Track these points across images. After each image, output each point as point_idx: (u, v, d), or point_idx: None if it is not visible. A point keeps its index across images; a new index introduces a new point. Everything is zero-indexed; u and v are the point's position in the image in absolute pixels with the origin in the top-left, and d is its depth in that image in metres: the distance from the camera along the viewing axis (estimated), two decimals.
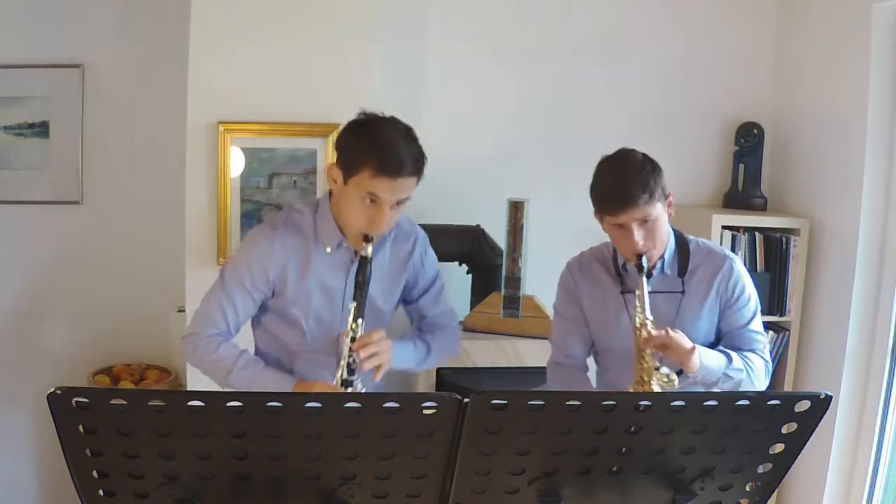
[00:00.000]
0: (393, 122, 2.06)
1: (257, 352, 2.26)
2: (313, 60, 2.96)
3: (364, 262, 2.03)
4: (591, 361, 2.46)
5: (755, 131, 3.58)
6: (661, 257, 2.21)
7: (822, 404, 1.55)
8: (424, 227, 3.40)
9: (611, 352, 2.33)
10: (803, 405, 1.56)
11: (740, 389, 2.15)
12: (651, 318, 2.10)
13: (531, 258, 3.29)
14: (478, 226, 3.42)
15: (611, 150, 3.73)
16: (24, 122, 3.39)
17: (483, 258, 3.40)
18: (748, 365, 2.18)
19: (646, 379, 2.08)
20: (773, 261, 3.41)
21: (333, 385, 2.02)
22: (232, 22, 2.91)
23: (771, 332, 3.40)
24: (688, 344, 2.07)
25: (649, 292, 2.12)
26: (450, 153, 3.54)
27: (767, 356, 2.27)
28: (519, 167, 3.55)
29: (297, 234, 2.14)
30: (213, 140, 2.93)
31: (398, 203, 2.04)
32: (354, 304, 2.02)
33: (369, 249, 2.04)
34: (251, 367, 2.13)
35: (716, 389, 2.13)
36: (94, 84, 3.41)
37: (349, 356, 2.00)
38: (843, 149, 3.23)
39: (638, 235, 2.10)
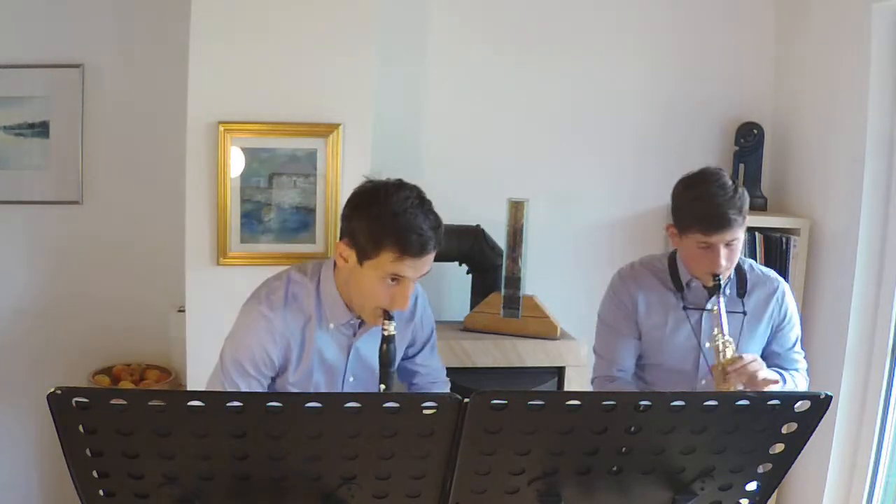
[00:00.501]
0: (406, 193, 1.88)
1: None
2: (313, 60, 2.96)
3: (389, 341, 1.91)
4: None
5: (755, 131, 3.58)
6: (729, 277, 2.26)
7: (822, 404, 1.55)
8: None
9: (659, 367, 2.35)
10: (803, 405, 1.56)
11: None
12: (731, 339, 2.14)
13: (531, 258, 3.29)
14: (478, 226, 3.42)
15: (611, 151, 3.77)
16: (24, 122, 3.39)
17: (483, 258, 3.40)
18: (797, 386, 2.28)
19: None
20: (773, 261, 3.40)
21: None
22: (232, 22, 2.91)
23: None
24: (772, 376, 2.13)
25: (709, 310, 2.20)
26: (450, 153, 3.56)
27: (808, 376, 2.36)
28: (519, 167, 3.55)
29: (299, 311, 2.00)
30: (213, 140, 2.93)
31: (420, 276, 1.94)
32: (383, 387, 1.91)
33: (392, 327, 1.91)
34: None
35: None
36: (94, 84, 3.41)
37: None
38: (843, 149, 3.23)
39: (723, 256, 2.14)
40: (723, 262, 2.14)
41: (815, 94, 3.44)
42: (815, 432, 1.59)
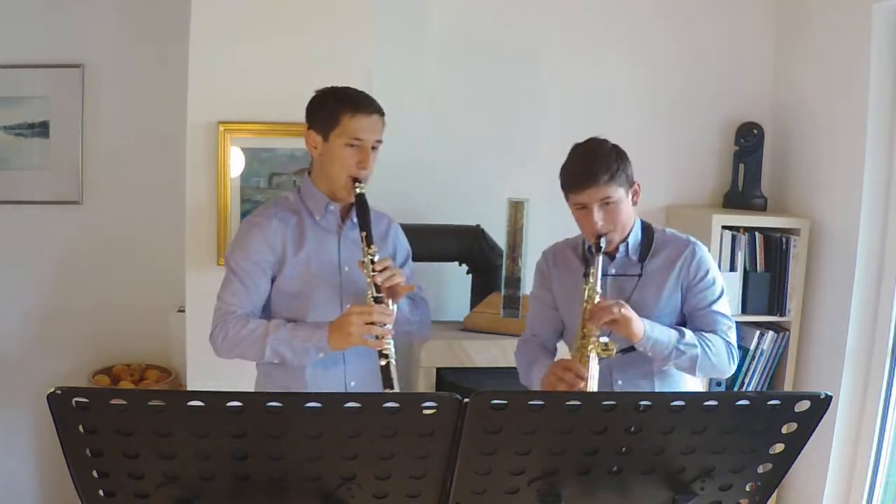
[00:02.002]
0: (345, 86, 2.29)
1: None
2: (313, 60, 2.96)
3: (361, 198, 2.21)
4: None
5: (755, 131, 3.58)
6: (626, 242, 2.29)
7: (822, 404, 1.55)
8: (424, 227, 3.44)
9: (572, 331, 2.36)
10: (803, 405, 1.56)
11: (698, 366, 2.20)
12: (599, 291, 2.18)
13: (531, 258, 3.28)
14: (478, 226, 3.42)
15: None
16: (24, 122, 3.39)
17: (483, 258, 3.40)
18: (705, 343, 2.21)
19: (586, 346, 2.15)
20: (773, 261, 3.40)
21: (366, 303, 2.13)
22: (232, 22, 2.91)
23: (771, 332, 3.40)
24: (626, 312, 2.12)
25: (610, 275, 2.24)
26: (450, 153, 3.56)
27: (731, 338, 2.28)
28: (519, 167, 3.55)
29: (286, 212, 2.31)
30: (213, 140, 2.93)
31: (374, 148, 2.24)
32: (364, 233, 2.17)
33: (363, 187, 2.22)
34: (283, 327, 2.21)
35: (671, 364, 2.20)
36: (94, 84, 3.41)
37: (375, 276, 2.14)
38: (843, 149, 3.23)
39: (598, 216, 2.19)
40: (598, 220, 2.18)
41: (815, 94, 3.44)
42: (815, 432, 1.59)
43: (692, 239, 2.34)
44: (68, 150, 3.42)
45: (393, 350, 2.13)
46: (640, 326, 2.14)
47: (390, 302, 2.16)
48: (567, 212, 3.84)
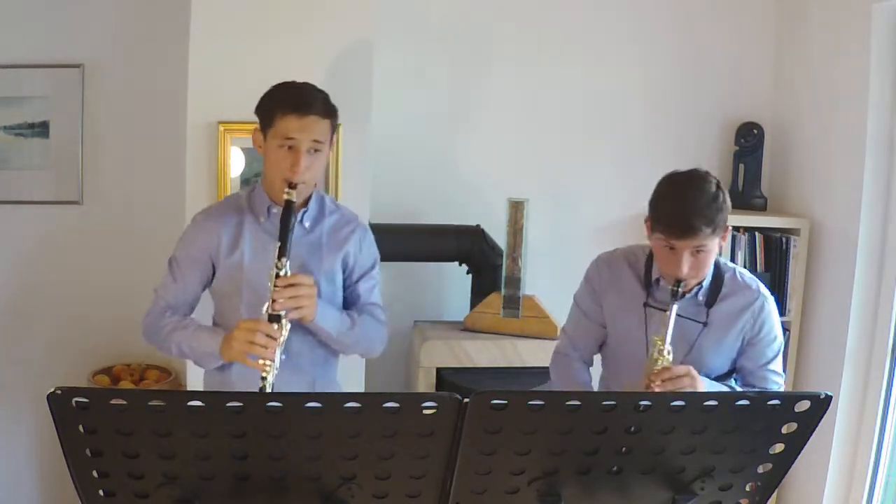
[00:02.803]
0: (303, 82, 2.21)
1: None
2: (313, 60, 2.96)
3: (288, 205, 2.10)
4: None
5: (755, 131, 3.58)
6: (700, 283, 2.17)
7: (822, 404, 1.55)
8: (425, 226, 3.44)
9: (618, 357, 2.30)
10: (803, 405, 1.56)
11: None
12: (670, 348, 2.06)
13: (531, 258, 3.29)
14: (478, 226, 3.42)
15: (611, 151, 3.77)
16: (24, 122, 3.39)
17: (483, 258, 3.40)
18: None
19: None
20: (773, 261, 3.41)
21: (260, 319, 2.05)
22: (232, 22, 2.91)
23: None
24: (698, 387, 2.03)
25: (676, 315, 2.08)
26: (450, 153, 3.56)
27: None
28: (519, 167, 3.55)
29: (231, 209, 2.28)
30: (213, 140, 2.93)
31: (315, 150, 2.14)
32: (279, 243, 2.08)
33: (293, 195, 2.11)
34: (188, 328, 2.22)
35: None
36: (94, 84, 3.41)
37: (274, 291, 2.05)
38: (843, 149, 3.23)
39: (686, 264, 2.05)
40: (685, 268, 2.04)
41: (815, 94, 3.44)
42: (815, 432, 1.59)
43: (762, 290, 2.22)
44: (68, 150, 3.42)
45: (273, 373, 2.02)
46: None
47: (284, 323, 2.05)
48: (567, 212, 3.84)
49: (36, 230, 3.44)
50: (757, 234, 3.42)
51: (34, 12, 3.33)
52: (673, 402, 1.53)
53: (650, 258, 2.23)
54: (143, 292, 3.48)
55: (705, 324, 2.17)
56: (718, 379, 2.22)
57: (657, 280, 2.20)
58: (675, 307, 2.06)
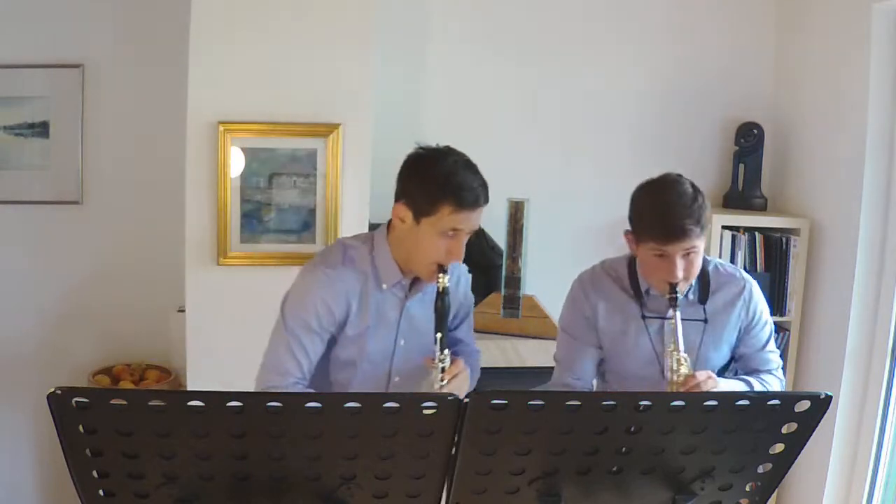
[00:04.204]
0: (455, 155, 2.08)
1: None
2: (313, 60, 2.96)
3: (444, 293, 2.03)
4: None
5: (755, 131, 3.58)
6: (689, 285, 2.17)
7: (822, 404, 1.55)
8: None
9: (621, 373, 2.27)
10: (803, 405, 1.56)
11: None
12: (686, 356, 2.06)
13: (531, 258, 3.29)
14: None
15: (610, 151, 3.77)
16: (24, 122, 3.39)
17: (483, 258, 3.40)
18: (766, 389, 2.20)
19: None
20: (773, 261, 3.41)
21: None
22: (232, 22, 2.91)
23: None
24: (720, 388, 2.05)
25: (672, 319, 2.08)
26: None
27: (782, 375, 2.28)
28: (519, 167, 3.54)
29: (355, 271, 2.10)
30: (213, 140, 2.93)
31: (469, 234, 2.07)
32: (439, 335, 2.00)
33: (446, 280, 2.03)
34: None
35: None
36: (94, 84, 3.41)
37: (440, 385, 1.99)
38: (843, 149, 3.23)
39: (679, 267, 2.04)
40: (679, 272, 2.04)
41: (815, 94, 3.44)
42: (815, 432, 1.59)
43: (744, 276, 2.26)
44: (68, 150, 3.42)
45: None
46: None
47: None
48: (567, 212, 3.84)
49: (36, 230, 3.44)
50: (757, 234, 3.42)
51: (34, 12, 3.34)
52: (673, 402, 1.53)
53: (631, 269, 2.23)
54: (143, 292, 3.51)
55: (705, 321, 2.18)
56: (721, 371, 2.24)
57: (647, 291, 2.20)
58: (678, 313, 2.06)
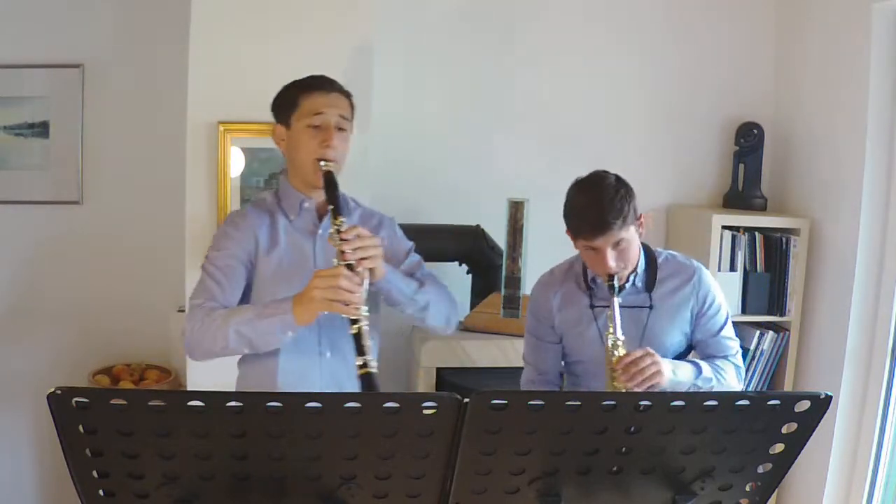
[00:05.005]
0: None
1: None
2: (313, 60, 2.95)
3: (328, 175, 2.12)
4: None
5: (755, 131, 3.58)
6: (634, 271, 2.26)
7: (822, 404, 1.55)
8: (425, 227, 3.43)
9: (580, 362, 2.37)
10: (803, 405, 1.56)
11: None
12: (622, 338, 2.15)
13: (531, 258, 3.29)
14: (478, 226, 3.42)
15: (611, 151, 3.77)
16: (24, 122, 3.39)
17: (483, 258, 3.40)
18: (718, 373, 2.25)
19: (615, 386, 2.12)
20: (773, 261, 3.41)
21: (336, 268, 2.00)
22: (232, 22, 2.91)
23: (771, 332, 3.40)
24: (657, 367, 2.10)
25: (620, 307, 2.17)
26: (450, 153, 3.56)
27: (739, 361, 2.33)
28: (519, 167, 3.55)
29: (263, 210, 2.26)
30: (213, 140, 2.93)
31: (341, 128, 2.18)
32: (331, 206, 2.07)
33: (332, 165, 2.14)
34: (248, 309, 2.10)
35: None
36: (94, 84, 3.41)
37: (341, 244, 2.02)
38: (843, 149, 3.24)
39: (611, 258, 2.15)
40: (611, 262, 2.15)
41: (816, 94, 3.44)
42: (815, 432, 1.59)
43: (694, 263, 2.34)
44: (68, 150, 3.42)
45: (365, 314, 1.99)
46: (668, 375, 2.13)
47: (361, 271, 2.01)
48: None
49: (36, 230, 3.45)
50: (757, 234, 3.42)
51: (34, 12, 3.34)
52: (673, 402, 1.53)
53: (584, 264, 2.32)
54: (143, 292, 3.52)
55: (650, 307, 2.27)
56: (679, 358, 2.30)
57: (594, 279, 2.30)
58: (616, 300, 2.16)
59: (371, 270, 2.06)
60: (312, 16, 2.95)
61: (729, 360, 2.31)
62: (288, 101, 2.21)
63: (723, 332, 2.32)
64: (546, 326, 2.39)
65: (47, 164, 3.42)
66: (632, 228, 2.17)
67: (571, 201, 2.21)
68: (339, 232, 2.03)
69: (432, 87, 3.53)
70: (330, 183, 2.12)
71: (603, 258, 2.15)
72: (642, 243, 2.30)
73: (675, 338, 2.30)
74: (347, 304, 1.98)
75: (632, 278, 2.27)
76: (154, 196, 3.42)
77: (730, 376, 2.27)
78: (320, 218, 2.24)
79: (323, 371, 2.21)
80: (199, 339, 2.09)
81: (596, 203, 2.13)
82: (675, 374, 2.15)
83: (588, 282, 2.32)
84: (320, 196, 2.17)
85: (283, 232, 2.22)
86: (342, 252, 2.01)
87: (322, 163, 2.13)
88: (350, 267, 2.01)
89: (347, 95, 2.24)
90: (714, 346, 2.32)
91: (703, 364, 2.25)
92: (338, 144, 2.16)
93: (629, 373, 2.08)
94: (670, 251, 2.38)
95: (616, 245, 2.15)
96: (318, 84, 2.21)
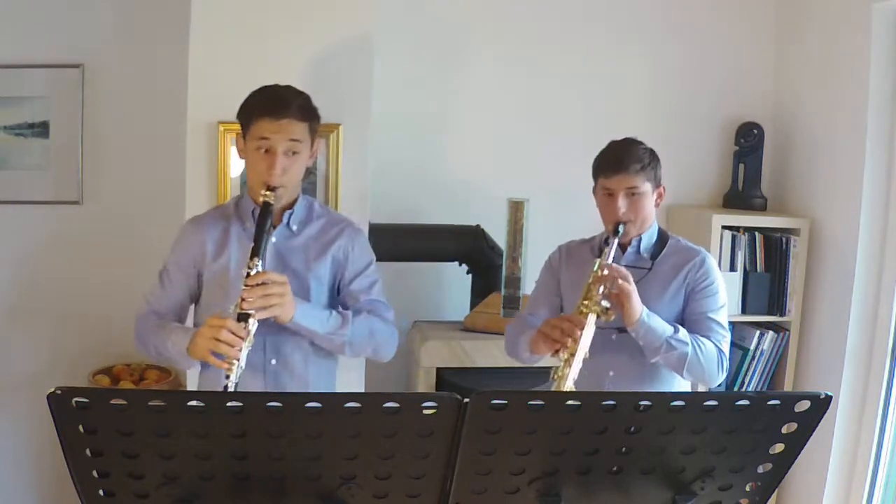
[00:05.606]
0: (282, 85, 2.22)
1: None
2: (313, 60, 2.96)
3: (265, 207, 2.12)
4: None
5: (755, 131, 3.58)
6: (640, 238, 2.35)
7: (822, 404, 1.55)
8: (424, 227, 3.44)
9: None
10: (803, 405, 1.56)
11: (687, 365, 2.23)
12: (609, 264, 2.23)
13: (531, 258, 3.29)
14: (478, 226, 3.42)
15: None
16: (24, 122, 3.39)
17: (483, 258, 3.40)
18: (697, 344, 2.25)
19: (586, 305, 2.19)
20: (773, 261, 3.41)
21: (228, 317, 2.02)
22: (232, 22, 2.91)
23: (771, 332, 3.40)
24: (633, 287, 2.18)
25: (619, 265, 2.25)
26: (450, 153, 3.56)
27: (724, 348, 2.32)
28: (519, 167, 3.55)
29: (219, 216, 2.31)
30: (213, 140, 2.93)
31: (293, 151, 2.16)
32: (252, 244, 2.08)
33: (271, 196, 2.13)
34: (165, 329, 2.21)
35: (659, 358, 2.23)
36: (94, 84, 3.41)
37: (244, 290, 2.04)
38: (843, 149, 3.24)
39: (622, 203, 2.27)
40: (622, 207, 2.26)
41: (815, 93, 3.44)
42: (815, 432, 1.59)
43: (703, 251, 2.41)
44: (68, 150, 3.42)
45: (237, 372, 2.00)
46: (639, 309, 2.19)
47: (252, 322, 2.02)
48: (566, 211, 3.85)
49: (36, 230, 3.44)
50: (757, 234, 3.42)
51: (34, 12, 3.34)
52: (673, 402, 1.53)
53: (604, 237, 2.40)
54: (142, 292, 3.50)
55: (649, 269, 2.34)
56: None
57: (606, 239, 2.36)
58: (615, 240, 2.26)
59: (276, 316, 2.09)
60: (312, 16, 2.95)
61: (712, 341, 2.29)
62: (243, 118, 2.21)
63: (712, 314, 2.33)
64: (553, 280, 2.51)
65: (47, 164, 3.41)
66: (648, 185, 2.30)
67: (603, 149, 2.37)
68: (247, 276, 2.05)
69: (432, 87, 3.53)
70: (262, 216, 2.12)
71: (615, 201, 2.27)
72: (662, 227, 2.41)
73: (664, 311, 2.29)
74: (224, 357, 2.01)
75: (636, 243, 2.36)
76: (154, 196, 3.42)
77: (709, 352, 2.25)
78: (274, 226, 2.23)
79: (267, 378, 2.24)
80: (137, 339, 2.31)
81: (621, 147, 2.33)
82: (648, 318, 2.19)
83: (601, 246, 2.39)
84: (277, 203, 2.18)
85: (234, 238, 2.26)
86: (242, 299, 2.04)
87: (263, 192, 2.13)
88: (244, 317, 2.02)
89: (305, 117, 2.18)
90: (701, 324, 2.31)
91: (682, 328, 2.26)
92: (286, 169, 2.15)
93: (607, 277, 2.18)
94: (688, 241, 2.45)
95: (630, 193, 2.27)
96: (270, 108, 2.14)
